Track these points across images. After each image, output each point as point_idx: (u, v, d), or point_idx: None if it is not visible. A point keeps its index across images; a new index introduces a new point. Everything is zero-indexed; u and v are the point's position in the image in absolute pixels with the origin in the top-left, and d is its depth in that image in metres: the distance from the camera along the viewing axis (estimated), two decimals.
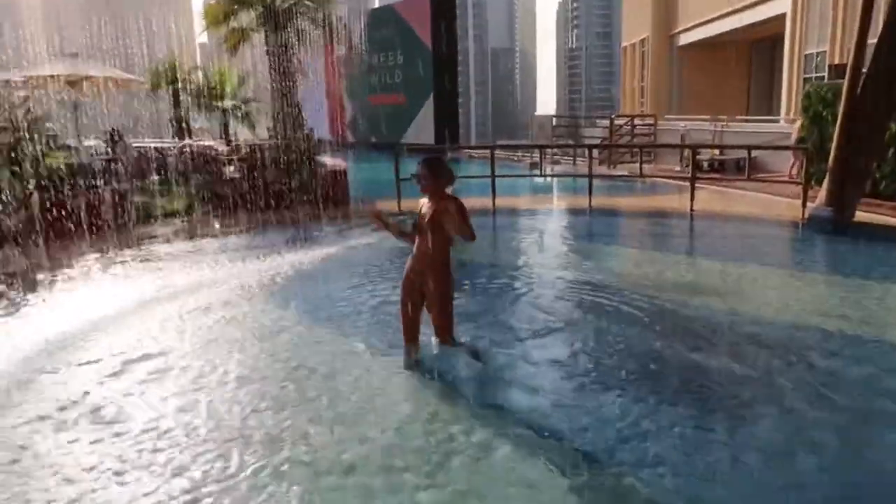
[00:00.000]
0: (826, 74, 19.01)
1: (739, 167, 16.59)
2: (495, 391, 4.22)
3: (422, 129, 27.14)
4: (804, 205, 10.53)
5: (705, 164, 16.43)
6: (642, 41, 33.71)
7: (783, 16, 21.81)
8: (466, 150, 23.68)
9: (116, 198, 10.76)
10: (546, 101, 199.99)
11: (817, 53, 20.29)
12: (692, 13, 28.80)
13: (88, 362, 4.88)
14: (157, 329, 5.58)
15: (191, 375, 4.61)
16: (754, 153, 15.07)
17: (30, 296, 6.76)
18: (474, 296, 6.33)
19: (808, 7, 20.57)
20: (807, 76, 20.53)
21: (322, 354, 4.91)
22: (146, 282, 7.23)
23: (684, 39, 30.45)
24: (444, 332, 4.49)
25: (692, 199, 11.63)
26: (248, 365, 4.75)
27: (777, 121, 20.69)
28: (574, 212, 12.45)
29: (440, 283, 4.39)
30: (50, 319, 5.89)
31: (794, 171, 14.03)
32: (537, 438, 3.61)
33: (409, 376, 4.47)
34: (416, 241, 4.35)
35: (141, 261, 8.33)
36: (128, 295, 6.66)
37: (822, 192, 10.08)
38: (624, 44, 37.58)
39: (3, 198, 8.63)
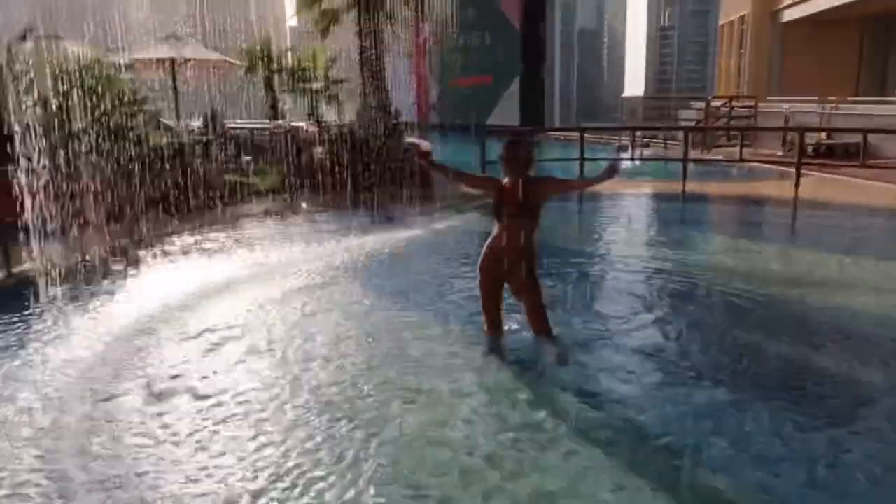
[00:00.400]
0: None
1: (849, 152, 15.45)
2: (583, 381, 4.06)
3: (507, 111, 26.85)
4: None
5: (811, 149, 15.39)
6: (742, 18, 31.83)
7: None
8: (552, 133, 23.20)
9: (212, 177, 11.16)
10: (634, 82, 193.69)
11: None
12: None
13: (188, 338, 5.05)
14: (250, 306, 5.71)
15: (279, 354, 4.68)
16: (869, 137, 14.03)
17: (136, 269, 7.08)
18: (563, 282, 6.15)
19: None
20: None
21: (407, 338, 4.87)
22: (240, 259, 7.45)
23: (788, 16, 28.51)
24: (542, 321, 4.32)
25: (797, 185, 10.91)
26: (335, 346, 4.77)
27: (894, 101, 19.11)
28: (666, 197, 11.95)
29: (533, 269, 4.27)
30: (151, 294, 6.14)
31: None
32: (627, 433, 3.45)
33: (493, 365, 4.35)
34: (499, 227, 4.21)
35: (235, 239, 8.59)
36: (222, 272, 6.88)
37: None
38: (721, 21, 35.64)
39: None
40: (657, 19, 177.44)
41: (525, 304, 4.35)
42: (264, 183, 11.99)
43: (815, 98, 17.94)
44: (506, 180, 4.18)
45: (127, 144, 10.00)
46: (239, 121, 19.27)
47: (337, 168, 12.45)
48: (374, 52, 16.43)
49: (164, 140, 11.31)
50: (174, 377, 4.29)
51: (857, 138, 15.29)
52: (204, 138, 13.33)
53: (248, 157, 13.68)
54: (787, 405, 3.75)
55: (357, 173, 12.26)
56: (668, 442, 3.37)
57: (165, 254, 7.77)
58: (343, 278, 6.63)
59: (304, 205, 11.28)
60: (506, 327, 4.56)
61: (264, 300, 5.80)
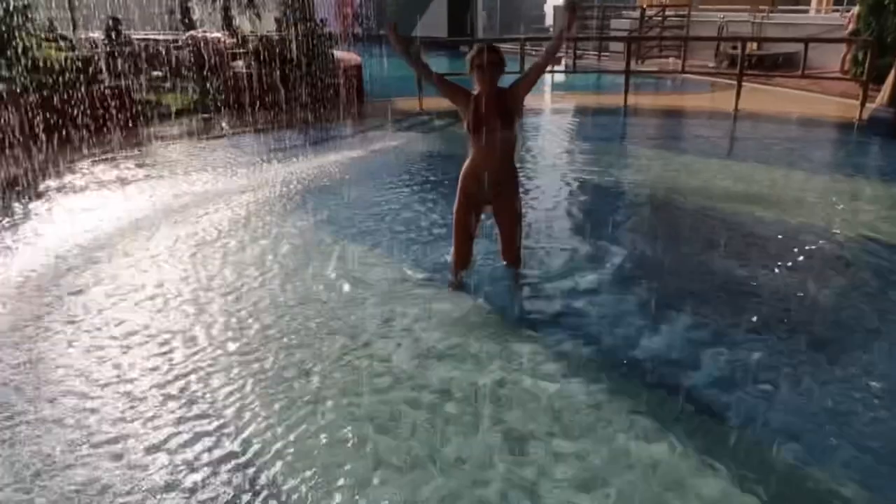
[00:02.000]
0: None
1: (778, 63, 15.51)
2: (542, 317, 3.81)
3: (434, 23, 25.61)
4: (863, 104, 9.73)
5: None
6: None
7: None
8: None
9: (117, 95, 9.98)
10: None
11: None
12: None
13: (98, 283, 4.42)
14: (169, 246, 5.08)
15: (204, 292, 4.18)
16: (798, 48, 14.04)
17: (31, 204, 6.21)
18: None
19: None
20: None
21: (350, 274, 4.43)
22: (156, 191, 6.66)
23: None
24: (518, 249, 4.10)
25: (738, 97, 10.79)
26: (270, 288, 4.27)
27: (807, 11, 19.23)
28: (608, 111, 11.62)
29: (516, 190, 3.93)
30: (54, 232, 5.39)
31: (847, 67, 13.03)
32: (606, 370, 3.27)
33: (458, 298, 3.99)
34: (479, 147, 3.75)
35: (146, 167, 7.69)
36: (138, 205, 6.14)
37: (883, 91, 9.26)
38: None
39: None
40: None
41: (504, 229, 4.02)
42: (178, 101, 10.89)
43: (748, 7, 17.77)
44: (477, 90, 3.71)
45: (10, 59, 8.75)
46: (144, 32, 17.48)
47: (259, 83, 11.41)
48: None
49: (56, 54, 9.97)
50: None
51: (785, 48, 15.39)
52: (105, 51, 11.91)
53: (159, 73, 12.39)
54: (739, 324, 3.73)
55: (281, 89, 11.27)
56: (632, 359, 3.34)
57: (59, 188, 6.85)
58: (272, 212, 6.00)
59: (223, 125, 10.32)
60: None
61: (176, 243, 5.15)
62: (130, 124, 9.30)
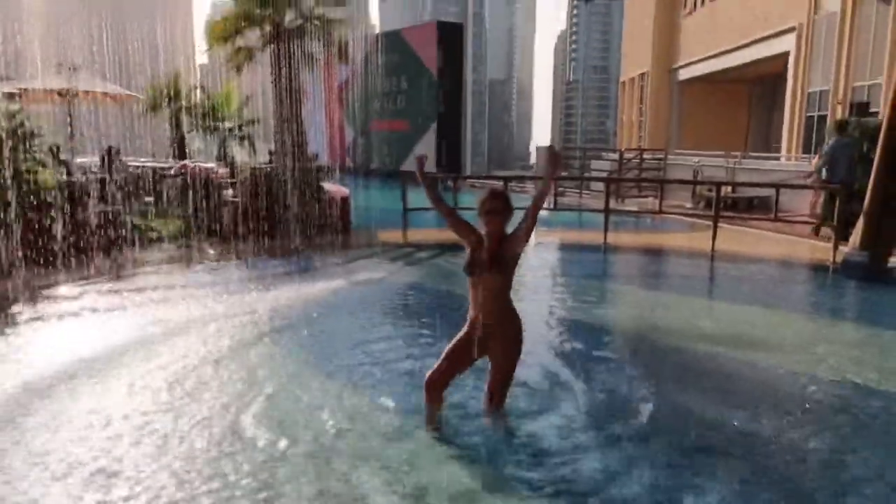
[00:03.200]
0: (828, 113, 18.93)
1: (753, 205, 16.17)
2: (503, 457, 3.68)
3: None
4: (836, 248, 10.02)
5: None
6: (641, 75, 33.69)
7: (786, 54, 21.70)
8: (470, 180, 23.20)
9: (108, 219, 10.10)
10: (541, 132, 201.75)
11: (821, 92, 20.12)
12: (693, 49, 28.77)
13: (69, 419, 4.21)
14: (144, 377, 4.91)
15: (179, 430, 3.95)
16: (771, 191, 14.67)
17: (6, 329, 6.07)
18: None
19: (812, 47, 20.45)
20: (809, 114, 20.37)
21: (328, 410, 4.26)
22: (135, 318, 6.56)
23: (684, 75, 30.41)
24: (500, 401, 3.96)
25: (714, 238, 11.11)
26: (243, 422, 4.09)
27: (776, 157, 20.37)
28: (589, 248, 11.88)
29: (517, 341, 3.84)
30: (28, 358, 5.22)
31: (816, 211, 13.53)
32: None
33: (435, 439, 3.82)
34: (476, 290, 3.75)
35: (130, 291, 7.64)
36: (115, 331, 6.01)
37: (855, 235, 9.56)
38: (622, 78, 37.60)
39: None
40: (562, 74, 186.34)
41: (493, 376, 3.88)
42: (167, 227, 11.02)
43: (721, 152, 18.79)
44: (483, 232, 3.74)
45: (8, 182, 8.91)
46: (141, 159, 18.06)
47: (249, 212, 11.64)
48: (290, 92, 15.86)
49: (51, 178, 10.18)
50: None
51: (758, 192, 16.12)
52: (100, 177, 12.21)
53: (150, 199, 12.65)
54: (704, 464, 3.68)
55: (271, 218, 11.49)
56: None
57: (49, 308, 6.75)
58: (255, 340, 5.89)
59: (211, 252, 10.40)
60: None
61: (157, 370, 5.00)
62: (118, 249, 9.33)
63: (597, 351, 5.86)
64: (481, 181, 23.14)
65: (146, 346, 5.63)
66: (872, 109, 14.88)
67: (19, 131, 9.82)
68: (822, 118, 19.21)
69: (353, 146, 31.65)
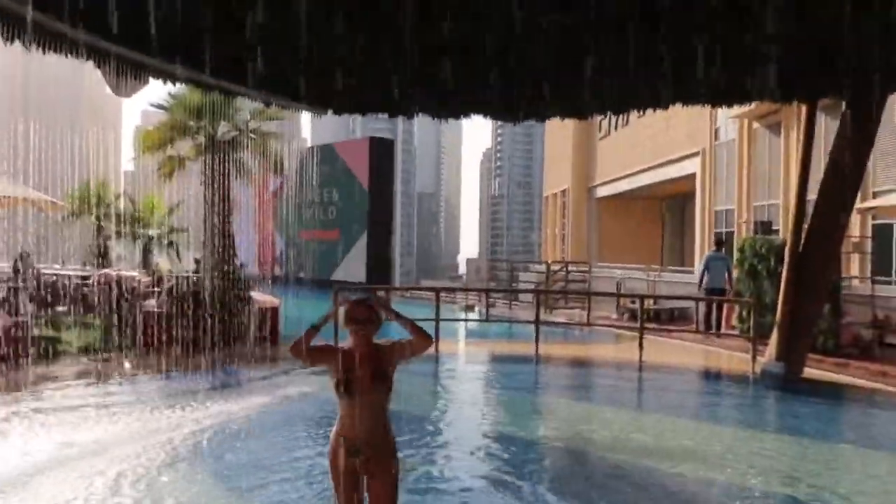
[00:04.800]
0: (734, 230, 20.43)
1: (674, 317, 16.80)
2: None
3: (353, 267, 26.72)
4: (754, 359, 10.44)
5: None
6: (563, 192, 35.53)
7: (693, 176, 23.50)
8: (399, 291, 23.26)
9: (14, 330, 9.45)
10: (469, 244, 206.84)
11: (726, 210, 21.74)
12: (608, 169, 30.79)
13: None
14: None
15: None
16: (689, 303, 15.36)
17: None
18: (410, 456, 5.52)
19: (715, 170, 22.31)
20: (717, 230, 21.87)
21: None
22: (38, 439, 6.02)
23: (602, 192, 32.29)
24: None
25: (641, 349, 11.39)
26: None
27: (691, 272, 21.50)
28: (520, 359, 11.93)
29: (393, 454, 3.39)
30: None
31: (732, 323, 14.19)
32: None
33: None
34: (353, 409, 3.28)
35: (35, 410, 7.04)
36: (13, 457, 5.46)
37: (770, 346, 10.02)
38: (546, 193, 39.54)
39: None
40: (488, 188, 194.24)
41: (377, 500, 3.38)
42: (81, 339, 10.39)
43: (640, 266, 19.69)
44: (349, 345, 3.35)
45: None
46: (56, 266, 17.26)
47: (172, 322, 11.15)
48: (220, 200, 15.76)
49: None
50: None
51: (678, 304, 16.84)
52: (9, 284, 11.55)
53: (63, 308, 11.98)
54: None
55: (195, 329, 11.03)
56: None
57: None
58: (168, 465, 5.47)
59: (127, 366, 9.81)
60: None
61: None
62: (24, 362, 8.68)
63: (529, 465, 5.76)
64: (411, 291, 23.26)
65: (47, 471, 5.13)
66: (774, 227, 16.17)
67: None
68: (730, 234, 20.60)
69: (284, 255, 31.40)
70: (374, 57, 6.93)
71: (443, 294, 16.42)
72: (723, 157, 22.00)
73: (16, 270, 12.62)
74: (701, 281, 14.12)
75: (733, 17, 5.96)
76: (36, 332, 9.82)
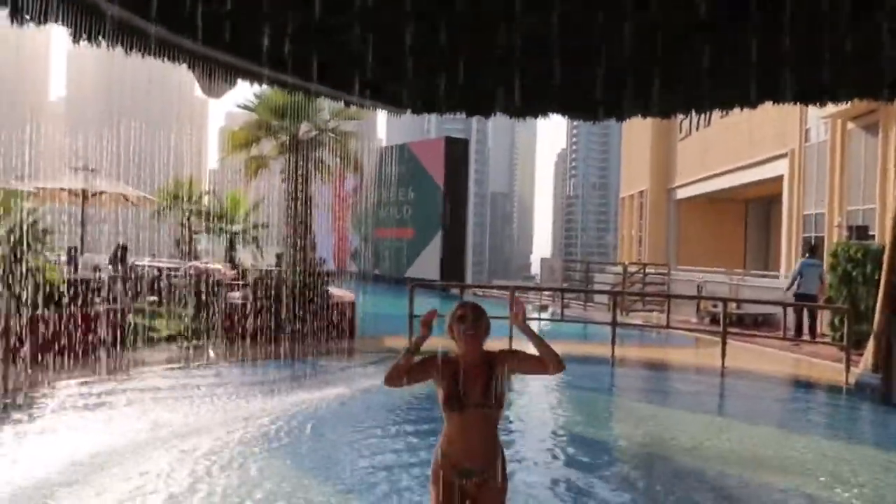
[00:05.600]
0: (825, 234, 19.32)
1: (758, 322, 16.11)
2: None
3: (427, 265, 26.97)
4: (847, 369, 9.88)
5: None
6: (641, 193, 34.69)
7: (780, 178, 22.42)
8: (473, 289, 23.29)
9: (113, 317, 10.05)
10: (542, 244, 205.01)
11: (816, 214, 20.61)
12: (689, 170, 29.81)
13: None
14: (139, 486, 4.70)
15: None
16: (775, 309, 14.70)
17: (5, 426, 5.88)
18: None
19: (805, 172, 21.19)
20: (805, 235, 20.77)
21: None
22: (134, 419, 6.37)
23: (682, 194, 31.31)
24: None
25: (723, 354, 10.97)
26: None
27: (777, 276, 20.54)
28: (596, 361, 11.72)
29: (504, 478, 2.98)
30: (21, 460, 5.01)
31: (821, 331, 13.49)
32: None
33: None
34: (460, 428, 2.90)
35: (131, 392, 7.47)
36: (112, 435, 5.81)
37: (866, 356, 9.47)
38: (622, 194, 38.70)
39: None
40: (563, 188, 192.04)
41: None
42: (171, 327, 10.93)
43: (723, 269, 18.99)
44: (455, 354, 2.96)
45: (16, 277, 8.93)
46: (147, 259, 18.23)
47: (255, 314, 11.59)
48: (300, 198, 16.25)
49: (58, 275, 10.22)
50: None
51: (763, 309, 16.14)
52: (109, 275, 12.27)
53: (154, 298, 12.63)
54: None
55: (277, 321, 11.43)
56: None
57: (47, 407, 6.57)
58: (252, 449, 5.68)
59: (212, 354, 10.25)
60: None
61: (151, 479, 4.78)
62: (120, 347, 9.22)
63: (602, 468, 5.66)
64: (484, 289, 23.26)
65: (143, 449, 5.43)
66: (871, 232, 15.24)
67: (31, 229, 9.95)
68: (819, 238, 19.54)
69: (359, 252, 32.06)
70: (455, 57, 6.95)
71: (516, 293, 16.37)
72: (813, 158, 20.90)
73: (114, 261, 13.40)
74: (791, 286, 13.70)
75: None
76: (132, 320, 10.39)
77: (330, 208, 29.32)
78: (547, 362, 2.93)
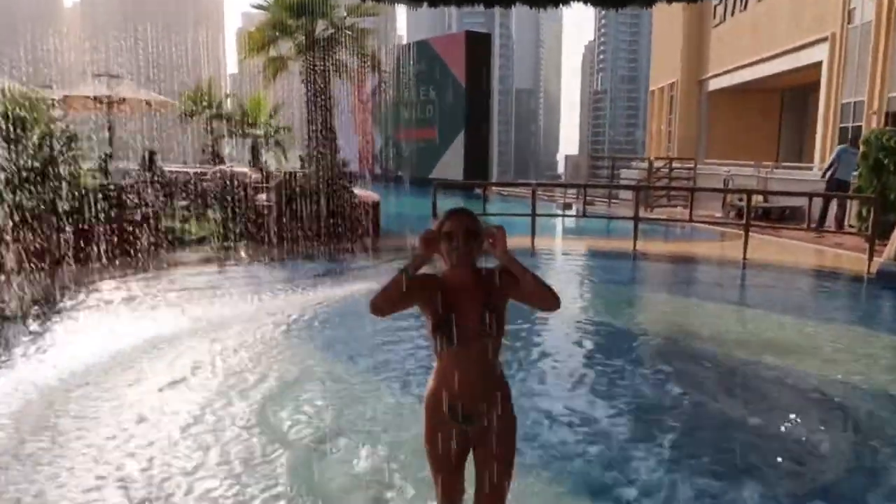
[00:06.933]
0: (862, 124, 18.68)
1: (785, 215, 15.98)
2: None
3: (451, 165, 26.86)
4: (870, 259, 9.88)
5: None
6: (671, 85, 33.57)
7: (818, 64, 21.46)
8: (496, 187, 23.28)
9: (147, 221, 10.39)
10: (569, 141, 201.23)
11: (855, 102, 19.85)
12: (722, 60, 28.62)
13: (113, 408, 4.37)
14: (181, 373, 5.09)
15: (207, 424, 4.12)
16: (804, 201, 14.51)
17: (52, 322, 6.31)
18: (514, 347, 5.74)
19: (846, 57, 20.21)
20: (843, 125, 20.11)
21: (355, 409, 4.37)
22: (173, 314, 6.77)
23: (714, 85, 30.23)
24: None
25: (745, 247, 11.02)
26: (267, 422, 4.21)
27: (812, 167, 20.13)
28: (617, 255, 11.87)
29: (509, 422, 2.49)
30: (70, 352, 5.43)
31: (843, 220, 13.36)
32: None
33: None
34: (455, 360, 2.39)
35: (168, 290, 7.88)
36: (154, 327, 6.20)
37: (890, 245, 9.45)
38: (652, 88, 37.48)
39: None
40: (590, 83, 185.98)
41: (484, 479, 2.50)
42: (202, 230, 11.27)
43: (752, 162, 18.63)
44: (443, 274, 2.43)
45: (52, 184, 9.21)
46: (174, 165, 18.47)
47: (279, 216, 11.85)
48: (321, 100, 16.12)
49: (91, 181, 10.49)
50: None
51: (790, 202, 15.95)
52: (139, 180, 12.54)
53: (185, 203, 12.93)
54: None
55: (303, 221, 11.69)
56: None
57: (90, 306, 6.99)
58: (282, 339, 6.06)
59: (243, 254, 10.62)
60: None
61: (190, 368, 5.17)
62: (156, 249, 9.60)
63: (625, 355, 5.88)
64: (509, 188, 23.24)
65: (182, 339, 5.82)
66: None
67: (62, 136, 10.14)
68: (857, 128, 18.93)
69: (382, 153, 31.97)
70: None
71: (540, 192, 16.38)
72: (855, 42, 19.87)
73: (144, 167, 13.64)
74: (827, 173, 13.61)
75: None
76: (164, 223, 10.74)
77: (352, 110, 29.00)
78: (534, 294, 2.36)
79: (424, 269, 2.34)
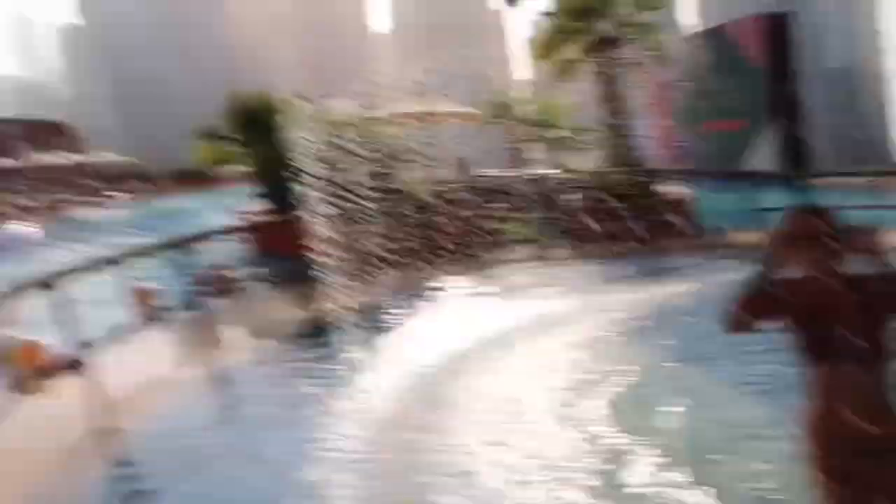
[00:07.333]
0: None
1: None
2: None
3: (761, 156, 24.46)
4: None
5: None
6: None
7: None
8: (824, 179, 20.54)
9: (469, 223, 11.27)
10: None
11: None
12: None
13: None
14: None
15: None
16: None
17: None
18: None
19: None
20: None
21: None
22: (514, 310, 7.21)
23: None
24: None
25: None
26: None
27: None
28: None
29: None
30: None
31: None
32: None
33: None
34: (831, 372, 2.03)
35: (503, 286, 8.45)
36: (500, 321, 6.66)
37: None
38: None
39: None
40: None
41: None
42: (521, 231, 11.84)
43: None
44: (801, 277, 2.09)
45: (395, 194, 10.46)
46: (482, 170, 19.76)
47: (591, 216, 11.92)
48: (613, 98, 16.02)
49: (423, 189, 11.67)
50: None
51: None
52: (457, 186, 13.64)
53: (499, 205, 13.72)
54: None
55: (616, 220, 11.61)
56: None
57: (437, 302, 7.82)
58: (622, 334, 6.07)
59: (562, 253, 10.92)
60: None
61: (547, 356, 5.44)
62: (482, 248, 10.38)
63: None
64: (842, 177, 20.32)
65: (532, 333, 6.15)
66: None
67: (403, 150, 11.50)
68: None
69: (686, 148, 30.49)
70: None
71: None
72: None
73: (459, 174, 14.83)
74: None
75: None
76: (488, 225, 11.55)
77: (648, 105, 28.21)
78: None
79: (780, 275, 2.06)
